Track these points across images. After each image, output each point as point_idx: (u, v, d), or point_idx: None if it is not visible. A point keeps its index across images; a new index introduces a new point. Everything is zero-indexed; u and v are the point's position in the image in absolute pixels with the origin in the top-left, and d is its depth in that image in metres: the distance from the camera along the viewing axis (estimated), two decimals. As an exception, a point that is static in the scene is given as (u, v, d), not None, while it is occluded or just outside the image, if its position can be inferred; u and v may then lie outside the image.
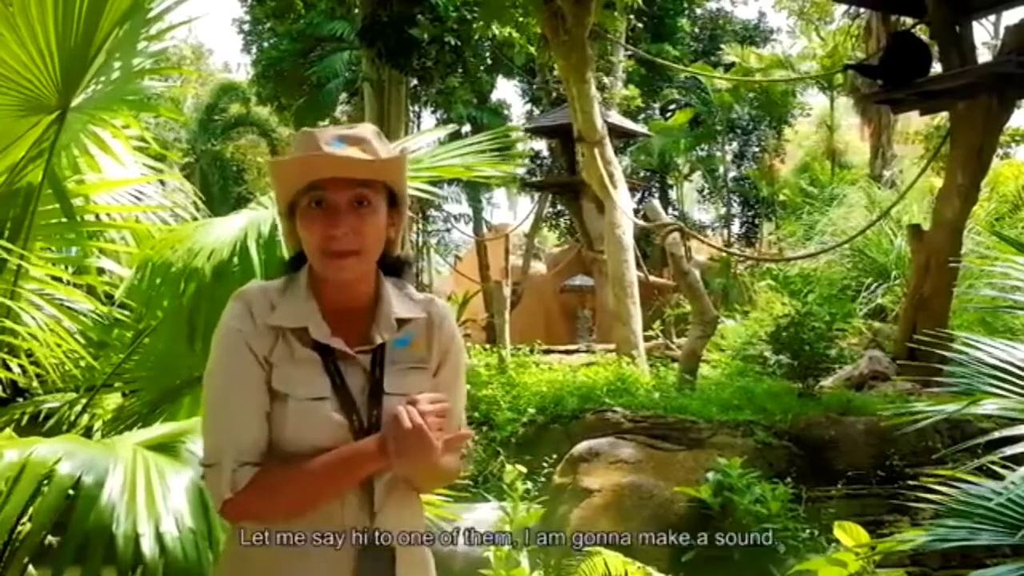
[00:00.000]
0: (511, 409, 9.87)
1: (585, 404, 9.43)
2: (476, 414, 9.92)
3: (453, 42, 17.51)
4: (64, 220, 3.40)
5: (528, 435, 9.57)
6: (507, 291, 13.27)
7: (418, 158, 3.94)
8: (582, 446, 8.37)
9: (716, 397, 9.37)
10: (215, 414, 2.01)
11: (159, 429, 2.73)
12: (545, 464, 8.52)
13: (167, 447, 2.48)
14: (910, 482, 8.22)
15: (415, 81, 20.36)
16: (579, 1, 11.24)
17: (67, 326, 3.53)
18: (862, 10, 22.28)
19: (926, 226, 11.13)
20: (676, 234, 10.07)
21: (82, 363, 3.39)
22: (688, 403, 9.11)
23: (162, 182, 4.62)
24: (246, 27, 31.72)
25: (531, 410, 9.73)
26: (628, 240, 11.93)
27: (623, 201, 11.82)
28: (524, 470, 6.39)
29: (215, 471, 1.95)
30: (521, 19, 15.45)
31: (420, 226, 29.57)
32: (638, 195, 25.48)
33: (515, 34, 17.56)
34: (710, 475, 7.55)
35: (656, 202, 14.16)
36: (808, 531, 7.28)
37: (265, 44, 30.49)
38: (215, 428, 1.99)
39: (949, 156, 10.64)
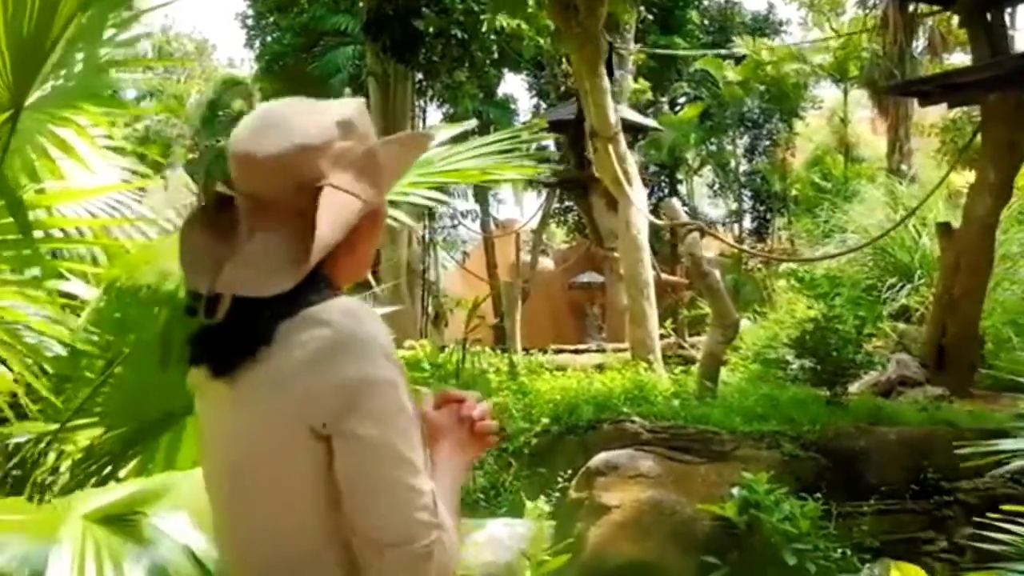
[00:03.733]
0: (524, 418, 9.44)
1: (601, 413, 8.98)
2: (487, 423, 9.49)
3: (460, 35, 17.07)
4: (21, 236, 2.93)
5: (541, 446, 9.14)
6: (517, 291, 12.86)
7: (429, 159, 3.48)
8: (599, 459, 7.93)
9: (739, 405, 8.91)
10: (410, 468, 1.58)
11: (118, 491, 2.27)
12: (560, 479, 8.09)
13: (124, 521, 2.02)
14: (946, 497, 7.91)
15: (421, 76, 19.90)
16: (592, -8, 10.83)
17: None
18: (876, 1, 21.87)
19: (950, 222, 10.69)
20: (696, 234, 9.63)
21: (41, 401, 2.96)
22: (710, 412, 8.66)
23: (142, 189, 4.16)
24: (249, 21, 31.42)
25: (544, 419, 9.30)
26: (644, 239, 11.51)
27: (638, 198, 11.36)
28: (545, 508, 5.96)
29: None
30: (531, 10, 15.08)
31: (427, 222, 29.13)
32: (647, 190, 25.03)
33: (524, 26, 17.11)
34: (735, 491, 7.12)
35: (675, 201, 13.68)
36: (840, 550, 6.86)
37: (268, 39, 30.17)
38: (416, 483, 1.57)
39: (980, 151, 10.17)
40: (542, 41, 17.44)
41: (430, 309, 30.72)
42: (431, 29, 17.21)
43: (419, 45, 17.23)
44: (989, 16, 9.90)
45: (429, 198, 3.54)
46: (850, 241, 13.54)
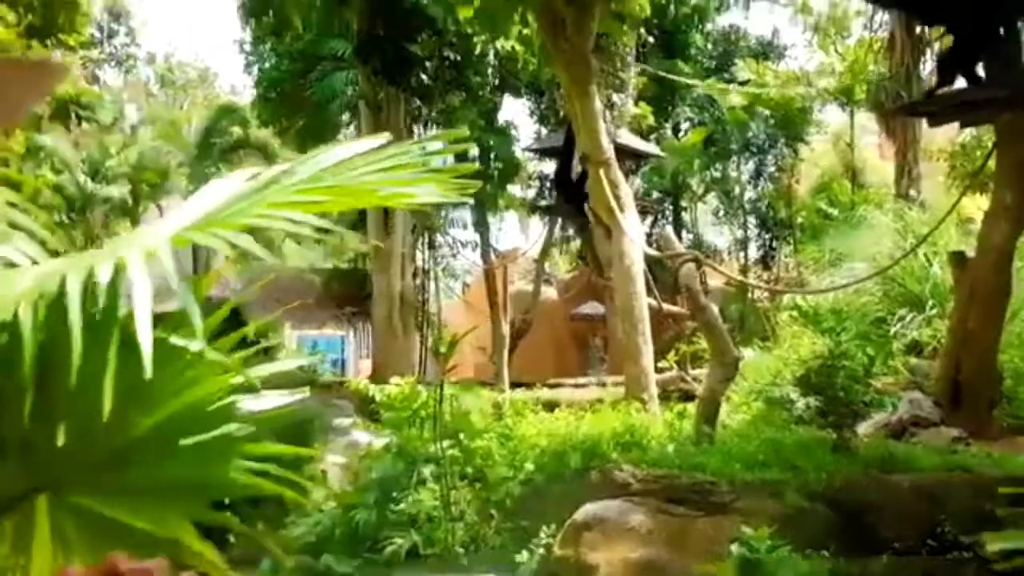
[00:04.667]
0: (507, 465, 8.77)
1: (590, 460, 8.32)
2: (469, 469, 8.86)
3: (453, 57, 16.53)
4: None
5: (525, 495, 8.47)
6: (505, 328, 12.21)
7: (317, 175, 2.65)
8: (586, 511, 7.29)
9: (739, 452, 8.21)
10: None
11: None
12: (543, 533, 7.42)
13: None
14: (965, 553, 7.23)
15: (418, 101, 19.36)
16: (581, 7, 10.22)
17: None
18: (883, 22, 21.36)
19: (964, 250, 10.05)
20: (691, 265, 8.98)
21: None
22: (707, 460, 7.96)
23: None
24: (247, 47, 31.05)
25: (529, 466, 8.63)
26: (637, 269, 10.85)
27: (631, 227, 10.71)
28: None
29: None
30: (520, 28, 14.61)
31: (425, 252, 28.59)
32: (650, 218, 24.40)
33: (518, 47, 16.57)
34: (734, 548, 6.44)
35: (669, 229, 13.10)
36: (850, 615, 6.21)
37: (266, 65, 29.79)
38: None
39: (995, 174, 9.53)
40: (534, 63, 16.88)
41: (430, 342, 30.12)
42: (423, 52, 16.67)
43: (411, 68, 16.69)
44: (1001, 31, 9.30)
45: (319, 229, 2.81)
46: (858, 270, 12.85)
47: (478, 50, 16.12)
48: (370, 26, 16.60)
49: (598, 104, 10.71)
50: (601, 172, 10.55)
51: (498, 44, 16.21)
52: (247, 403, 2.43)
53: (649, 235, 13.21)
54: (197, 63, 54.93)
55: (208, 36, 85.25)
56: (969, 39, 9.30)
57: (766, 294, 21.89)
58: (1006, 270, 9.29)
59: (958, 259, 9.80)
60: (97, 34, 38.68)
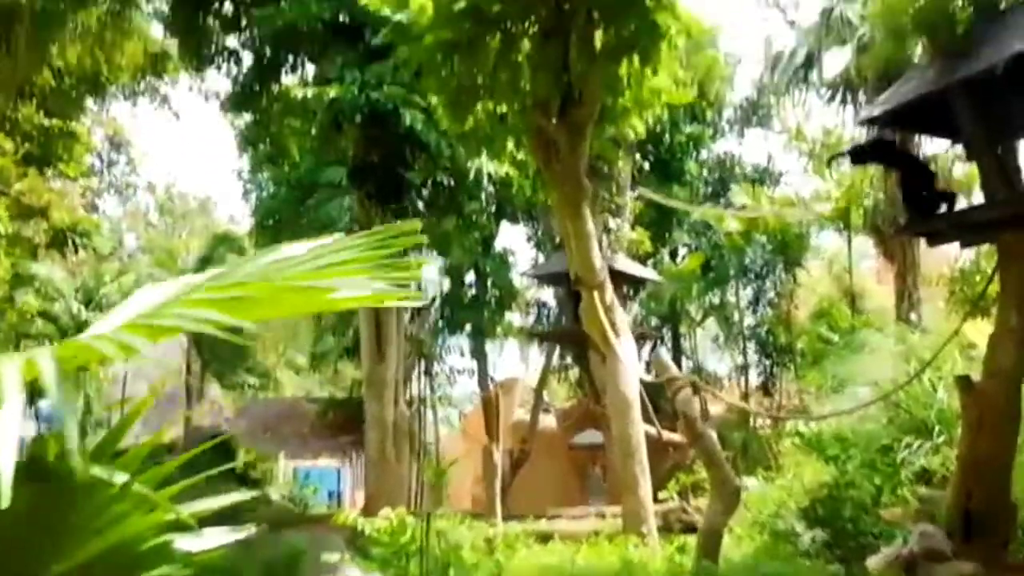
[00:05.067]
0: (494, 605, 8.28)
1: (583, 600, 7.83)
2: (456, 609, 8.35)
3: (446, 182, 16.46)
4: None
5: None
6: (497, 457, 11.80)
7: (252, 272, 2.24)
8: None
9: (742, 589, 7.75)
10: None
11: None
12: None
13: None
14: None
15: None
16: (573, 128, 10.09)
17: None
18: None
19: (970, 375, 9.67)
20: (688, 390, 8.62)
21: None
22: (708, 599, 7.50)
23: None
24: (245, 175, 31.22)
25: (517, 607, 8.14)
26: (633, 395, 10.48)
27: (627, 352, 10.37)
28: None
29: None
30: (513, 152, 14.58)
31: (422, 379, 28.22)
32: (649, 344, 24.08)
33: (513, 172, 16.51)
34: None
35: (664, 352, 12.75)
36: None
37: (264, 193, 29.92)
38: None
39: (999, 296, 9.20)
40: (532, 188, 16.79)
41: (428, 473, 29.45)
42: (418, 177, 16.61)
43: (405, 193, 16.60)
44: (1000, 149, 9.12)
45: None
46: (861, 395, 12.45)
47: (472, 175, 16.01)
48: (365, 152, 16.55)
49: (591, 226, 10.49)
50: (595, 295, 10.28)
51: (492, 168, 16.14)
52: (184, 543, 2.13)
53: (648, 362, 12.84)
54: (197, 193, 55.52)
55: (208, 165, 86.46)
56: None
57: (769, 421, 21.43)
58: (1015, 395, 8.90)
59: (964, 384, 9.38)
60: (97, 163, 38.94)
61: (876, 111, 9.92)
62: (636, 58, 10.28)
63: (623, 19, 9.97)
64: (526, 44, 10.37)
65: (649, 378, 10.55)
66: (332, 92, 15.47)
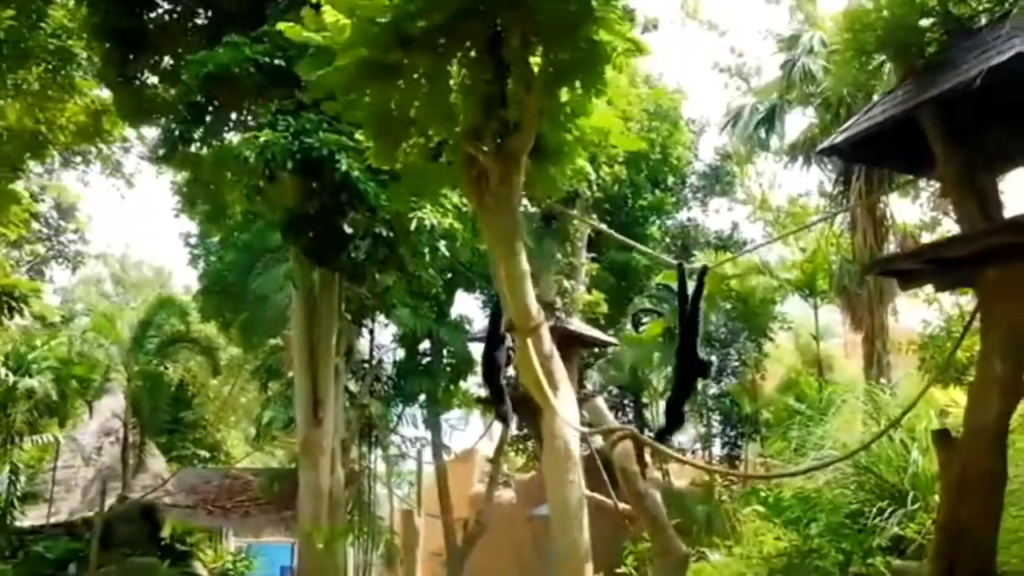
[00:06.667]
0: None
1: None
2: None
3: (386, 234, 15.47)
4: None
5: None
6: (419, 521, 10.64)
7: None
8: None
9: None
10: None
11: None
12: None
13: None
14: None
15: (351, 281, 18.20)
16: (507, 157, 9.11)
17: None
18: (843, 220, 20.80)
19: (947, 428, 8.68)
20: (628, 443, 7.54)
21: None
22: None
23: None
24: (193, 241, 30.27)
25: None
26: (572, 453, 9.35)
27: (565, 406, 9.28)
28: None
29: None
30: (453, 201, 13.67)
31: (367, 450, 27.05)
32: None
33: (456, 224, 15.57)
34: None
35: (600, 401, 11.61)
36: None
37: (213, 258, 29.00)
38: None
39: (981, 341, 8.20)
40: (476, 237, 15.81)
41: (381, 548, 28.20)
42: (356, 230, 15.65)
43: (343, 246, 15.58)
44: (978, 182, 8.22)
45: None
46: (827, 456, 11.40)
47: (413, 225, 15.03)
48: (299, 203, 15.55)
49: (525, 265, 9.42)
50: (530, 342, 9.21)
51: (434, 220, 15.19)
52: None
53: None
54: (152, 262, 54.38)
55: (164, 234, 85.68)
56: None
57: (734, 495, 20.39)
58: (1000, 452, 7.89)
59: (943, 440, 8.35)
60: (45, 229, 37.86)
61: (838, 139, 9.04)
62: (578, 85, 9.37)
63: (562, 39, 9.07)
64: (457, 68, 9.43)
65: (583, 430, 9.43)
66: (263, 138, 14.49)
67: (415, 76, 9.40)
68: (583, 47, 9.07)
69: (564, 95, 9.53)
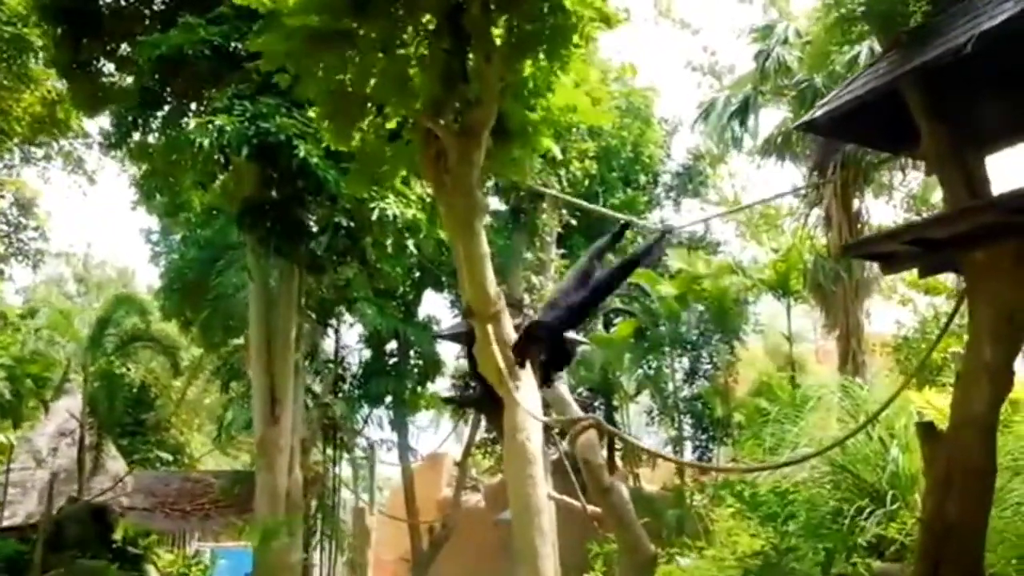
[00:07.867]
0: None
1: None
2: None
3: (346, 223, 14.86)
4: None
5: None
6: (370, 521, 10.07)
7: None
8: None
9: None
10: None
11: None
12: None
13: None
14: None
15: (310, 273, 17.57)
16: (467, 132, 8.57)
17: None
18: (817, 218, 20.38)
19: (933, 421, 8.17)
20: (592, 433, 6.98)
21: None
22: None
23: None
24: (154, 237, 29.53)
25: None
26: (534, 447, 8.77)
27: (527, 397, 8.70)
28: None
29: None
30: (416, 191, 13.13)
31: (333, 452, 26.45)
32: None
33: (420, 215, 14.96)
34: None
35: (564, 388, 11.03)
36: None
37: (174, 255, 28.24)
38: None
39: (969, 327, 7.66)
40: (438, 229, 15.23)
41: (346, 554, 27.60)
42: (317, 220, 15.04)
43: (301, 237, 14.96)
44: (965, 158, 7.70)
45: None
46: (802, 452, 10.88)
47: (375, 215, 14.42)
48: (256, 191, 14.92)
49: (485, 248, 8.86)
50: (489, 328, 8.65)
51: (397, 210, 14.59)
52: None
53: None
54: (115, 262, 53.42)
55: (125, 231, 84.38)
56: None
57: (706, 496, 19.86)
58: (990, 445, 7.36)
59: (928, 432, 7.82)
60: (4, 227, 36.87)
61: (817, 114, 8.53)
62: (542, 56, 8.84)
63: (526, 6, 8.52)
64: (414, 38, 8.87)
65: (545, 419, 8.84)
66: (217, 122, 13.86)
67: (370, 46, 8.87)
68: (547, 15, 8.57)
69: (528, 68, 9.01)
